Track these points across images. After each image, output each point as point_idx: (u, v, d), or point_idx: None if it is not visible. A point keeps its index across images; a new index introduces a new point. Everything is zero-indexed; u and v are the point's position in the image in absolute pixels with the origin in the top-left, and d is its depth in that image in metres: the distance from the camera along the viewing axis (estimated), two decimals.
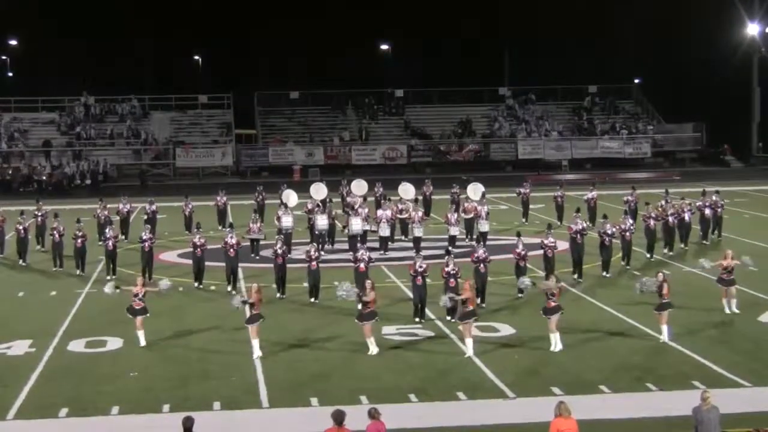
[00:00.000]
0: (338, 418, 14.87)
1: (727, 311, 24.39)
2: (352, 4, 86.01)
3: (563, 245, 30.08)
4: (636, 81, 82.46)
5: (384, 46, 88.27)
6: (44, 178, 64.62)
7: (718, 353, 20.86)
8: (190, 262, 29.84)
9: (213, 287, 28.47)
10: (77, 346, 22.99)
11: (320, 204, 36.00)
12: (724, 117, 73.69)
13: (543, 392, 18.80)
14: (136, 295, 22.23)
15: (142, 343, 22.11)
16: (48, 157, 68.05)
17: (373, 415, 15.09)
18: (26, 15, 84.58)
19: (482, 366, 20.36)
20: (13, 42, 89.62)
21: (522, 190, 41.81)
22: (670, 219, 33.22)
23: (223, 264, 28.82)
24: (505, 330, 23.38)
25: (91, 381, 20.01)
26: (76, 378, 20.35)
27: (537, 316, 24.54)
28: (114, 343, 22.78)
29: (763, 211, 44.99)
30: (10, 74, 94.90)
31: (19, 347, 22.87)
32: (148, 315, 22.35)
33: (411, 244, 34.34)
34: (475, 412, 17.89)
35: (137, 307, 22.21)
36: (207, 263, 29.17)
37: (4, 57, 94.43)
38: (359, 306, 22.01)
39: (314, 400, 18.59)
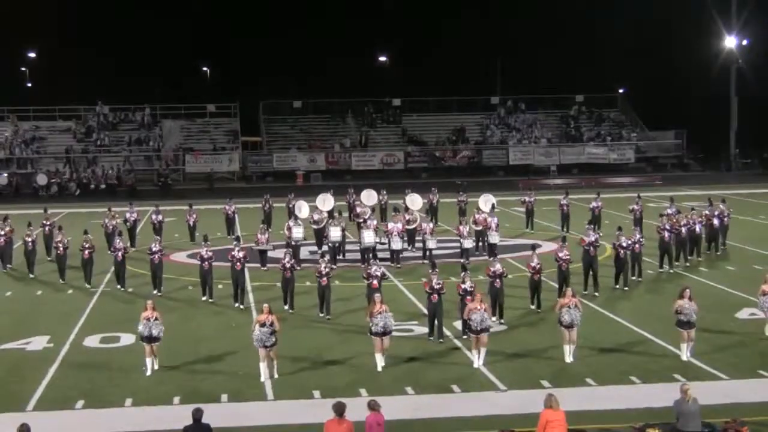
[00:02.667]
0: (339, 409, 14.89)
1: None
2: (353, 19, 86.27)
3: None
4: (620, 91, 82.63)
5: (382, 58, 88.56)
6: (115, 181, 65.28)
7: (698, 348, 20.76)
8: (198, 262, 28.05)
9: (221, 286, 28.11)
10: (92, 341, 23.01)
11: (331, 215, 34.51)
12: (704, 125, 73.96)
13: (533, 385, 18.81)
14: (147, 319, 19.94)
15: (149, 372, 20.05)
16: (69, 162, 68.20)
17: (373, 406, 15.11)
18: (43, 30, 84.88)
19: (475, 360, 20.32)
20: (32, 54, 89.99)
21: (527, 199, 40.22)
22: (683, 230, 31.28)
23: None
24: (496, 327, 23.25)
25: (106, 374, 20.02)
26: (91, 372, 20.35)
27: (526, 314, 24.64)
28: (127, 339, 22.73)
29: (742, 214, 44.92)
30: (29, 85, 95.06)
31: (38, 343, 22.90)
32: (157, 343, 20.15)
33: (417, 252, 33.56)
34: (468, 404, 17.89)
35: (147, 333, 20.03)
36: (215, 263, 27.62)
37: (23, 69, 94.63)
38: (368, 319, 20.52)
39: (316, 393, 18.58)
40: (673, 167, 74.15)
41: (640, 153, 74.29)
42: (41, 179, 65.13)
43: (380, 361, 20.10)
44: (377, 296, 20.70)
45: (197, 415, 14.97)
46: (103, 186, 64.78)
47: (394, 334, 22.19)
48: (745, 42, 74.97)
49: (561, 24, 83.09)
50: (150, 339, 19.91)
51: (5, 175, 66.03)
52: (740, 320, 23.95)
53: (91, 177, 66.11)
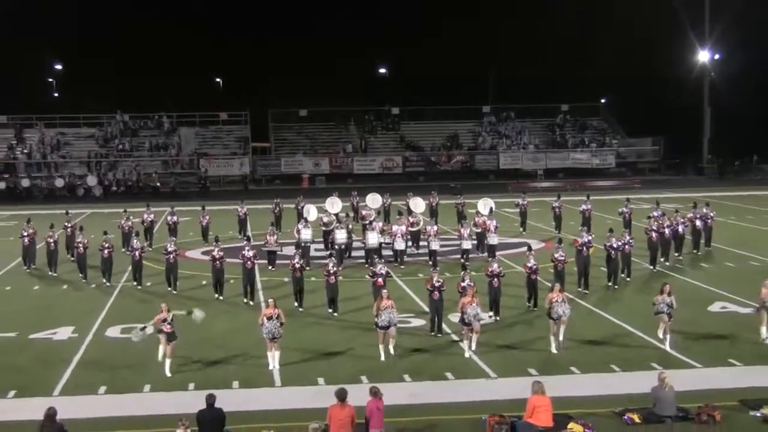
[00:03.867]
0: (341, 395, 14.91)
1: (764, 336, 20.90)
2: (356, 34, 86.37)
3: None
4: (602, 101, 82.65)
5: (382, 70, 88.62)
6: (158, 184, 65.66)
7: (674, 339, 20.78)
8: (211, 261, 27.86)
9: (232, 281, 27.91)
10: (114, 332, 23.04)
11: (339, 219, 33.89)
12: (680, 133, 74.08)
13: (521, 373, 18.81)
14: (164, 320, 19.34)
15: (168, 373, 19.11)
16: (96, 166, 68.32)
17: (375, 393, 15.12)
18: (69, 43, 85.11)
19: (467, 349, 20.33)
20: (59, 66, 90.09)
21: (521, 202, 39.54)
22: (667, 231, 30.85)
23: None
24: (489, 321, 23.16)
25: (126, 363, 19.98)
26: (113, 360, 20.35)
27: (520, 310, 24.58)
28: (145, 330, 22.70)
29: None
30: (56, 95, 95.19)
31: (64, 333, 22.95)
32: (177, 340, 19.42)
33: (419, 252, 33.14)
34: (461, 391, 17.91)
35: (169, 332, 19.30)
36: (228, 260, 27.60)
37: (50, 79, 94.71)
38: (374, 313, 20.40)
39: (321, 380, 18.61)
40: (651, 171, 74.19)
41: (620, 158, 74.32)
42: (91, 180, 65.49)
43: (383, 352, 20.02)
44: (384, 292, 20.62)
45: (210, 400, 15.01)
46: (120, 188, 64.96)
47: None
48: (717, 56, 75.06)
49: (548, 39, 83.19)
50: (169, 338, 19.29)
51: (61, 178, 66.10)
52: (712, 313, 23.96)
53: (142, 177, 66.23)
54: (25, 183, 64.89)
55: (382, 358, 19.98)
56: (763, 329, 20.84)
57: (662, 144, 75.79)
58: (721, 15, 70.65)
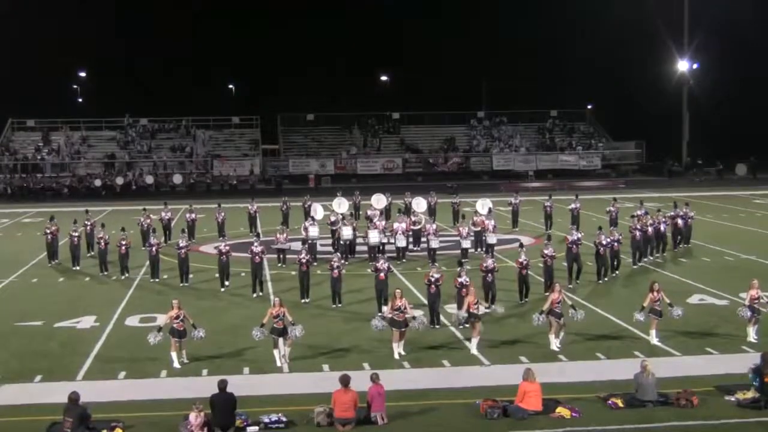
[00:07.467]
0: (344, 380, 14.91)
1: (753, 339, 20.08)
2: (360, 45, 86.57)
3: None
4: (589, 107, 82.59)
5: (384, 78, 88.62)
6: (235, 182, 66.49)
7: (658, 333, 20.64)
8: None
9: (243, 274, 27.94)
10: (133, 321, 23.02)
11: (344, 217, 33.45)
12: (660, 136, 74.09)
13: (513, 360, 18.77)
14: (176, 317, 18.80)
15: (176, 365, 18.65)
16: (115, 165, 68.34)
17: (374, 379, 15.11)
18: (92, 53, 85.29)
19: (462, 339, 20.27)
20: (83, 74, 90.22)
21: (513, 201, 39.28)
22: (649, 229, 30.45)
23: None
24: (481, 309, 23.09)
25: (144, 350, 19.83)
26: (132, 347, 20.34)
27: (512, 303, 24.45)
28: (162, 319, 22.59)
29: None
30: (80, 100, 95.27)
31: (86, 322, 22.94)
32: (185, 339, 18.90)
33: (421, 250, 32.67)
34: (457, 377, 17.86)
35: (180, 329, 18.74)
36: (240, 255, 27.72)
37: (75, 86, 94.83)
38: (386, 311, 20.11)
39: (326, 366, 18.57)
40: (634, 173, 74.08)
41: (605, 160, 74.24)
42: (149, 179, 65.64)
43: (395, 351, 19.34)
44: (398, 291, 19.95)
45: (222, 385, 15.02)
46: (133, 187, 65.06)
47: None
48: (695, 65, 75.07)
49: (538, 49, 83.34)
50: (181, 335, 18.75)
51: (78, 177, 66.18)
52: (691, 305, 23.82)
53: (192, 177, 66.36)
54: (50, 182, 64.93)
55: (395, 355, 19.24)
56: (751, 330, 20.17)
57: (644, 147, 75.74)
58: (700, 27, 70.75)
